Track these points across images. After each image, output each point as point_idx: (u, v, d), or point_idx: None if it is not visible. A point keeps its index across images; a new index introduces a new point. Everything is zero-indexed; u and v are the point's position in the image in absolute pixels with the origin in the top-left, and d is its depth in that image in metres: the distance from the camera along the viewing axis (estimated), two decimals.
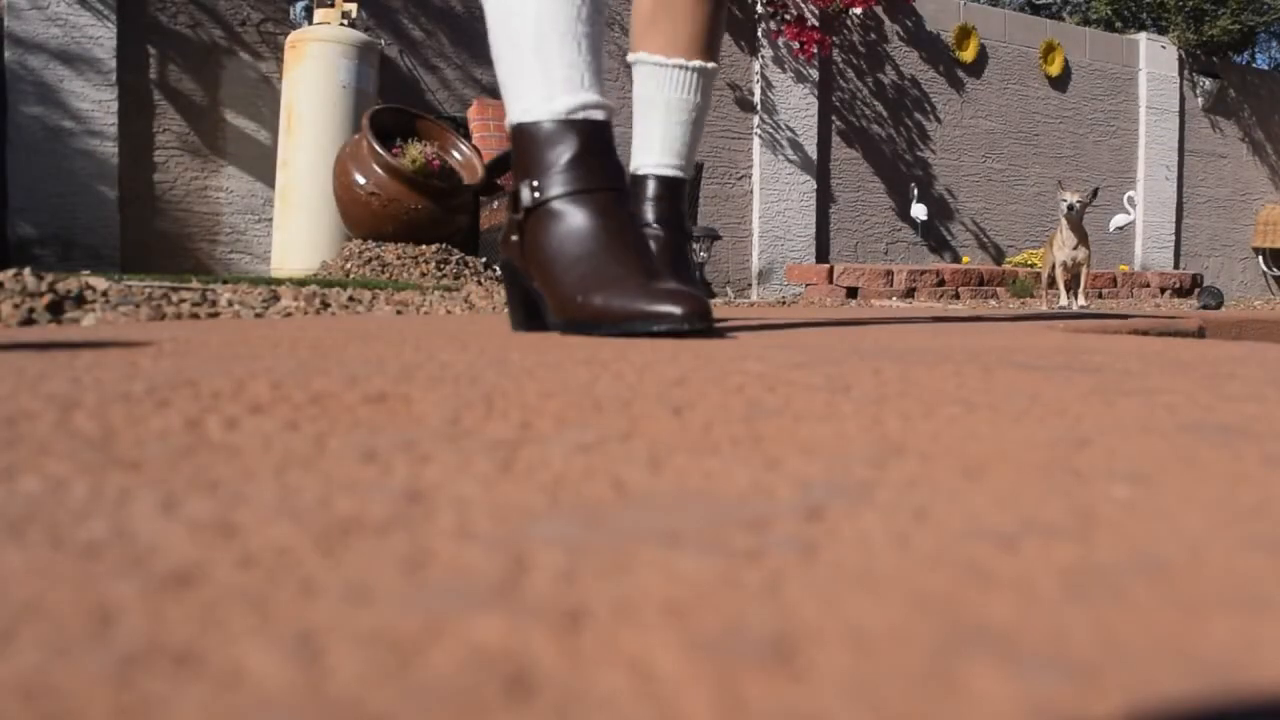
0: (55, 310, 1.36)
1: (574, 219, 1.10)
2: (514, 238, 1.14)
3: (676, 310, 1.02)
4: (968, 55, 7.28)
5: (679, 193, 1.49)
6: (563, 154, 1.11)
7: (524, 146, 1.12)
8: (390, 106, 4.55)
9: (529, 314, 1.21)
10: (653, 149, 1.48)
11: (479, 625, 0.20)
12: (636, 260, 1.09)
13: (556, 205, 1.10)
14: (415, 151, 4.27)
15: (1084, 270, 4.63)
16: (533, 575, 0.23)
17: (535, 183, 1.11)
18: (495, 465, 0.36)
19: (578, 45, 1.13)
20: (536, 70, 1.12)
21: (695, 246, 4.39)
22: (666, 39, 1.47)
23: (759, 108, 6.54)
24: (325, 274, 4.15)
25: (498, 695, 0.17)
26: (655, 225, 1.44)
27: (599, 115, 1.12)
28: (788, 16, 6.32)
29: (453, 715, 0.16)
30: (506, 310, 1.42)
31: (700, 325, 1.03)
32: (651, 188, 1.46)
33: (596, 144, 1.12)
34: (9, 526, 0.27)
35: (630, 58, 1.49)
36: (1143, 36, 8.22)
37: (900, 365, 0.72)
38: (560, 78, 1.11)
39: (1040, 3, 10.07)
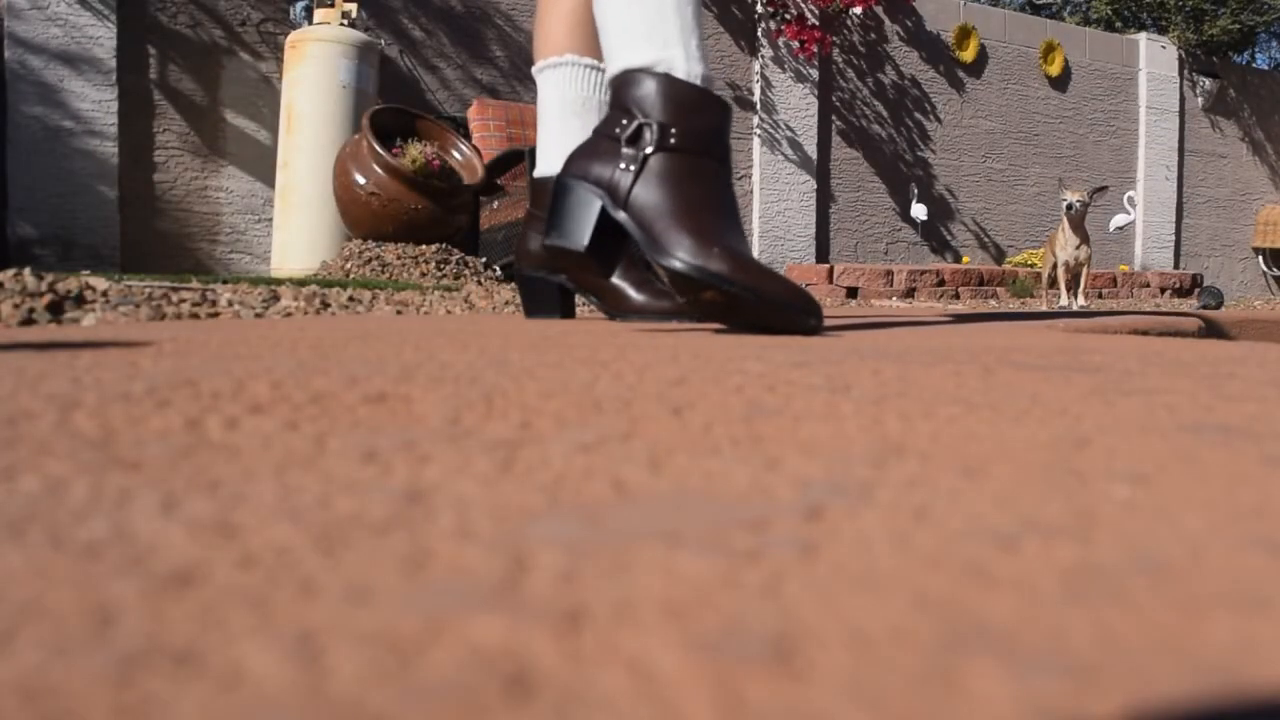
0: (55, 310, 1.36)
1: (715, 181, 1.15)
2: (624, 167, 1.15)
3: (810, 305, 1.09)
4: (968, 55, 7.29)
5: None
6: (707, 120, 1.15)
7: (661, 95, 1.15)
8: (390, 106, 4.55)
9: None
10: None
11: (479, 625, 0.20)
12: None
13: (699, 161, 1.14)
14: (415, 151, 4.27)
15: (1084, 270, 4.63)
16: (533, 575, 0.23)
17: (674, 129, 1.13)
18: (495, 465, 0.36)
19: (700, 21, 1.20)
20: (676, 29, 1.16)
21: None
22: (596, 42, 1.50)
23: (759, 107, 6.54)
24: (325, 274, 4.15)
25: (498, 695, 0.17)
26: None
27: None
28: (788, 16, 6.32)
29: (453, 715, 0.16)
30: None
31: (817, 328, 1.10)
32: None
33: (729, 124, 1.19)
34: (9, 526, 0.27)
35: (561, 59, 1.50)
36: (1143, 36, 8.22)
37: (900, 365, 0.72)
38: (696, 44, 1.17)
39: (1040, 3, 10.07)
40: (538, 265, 1.52)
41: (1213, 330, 2.38)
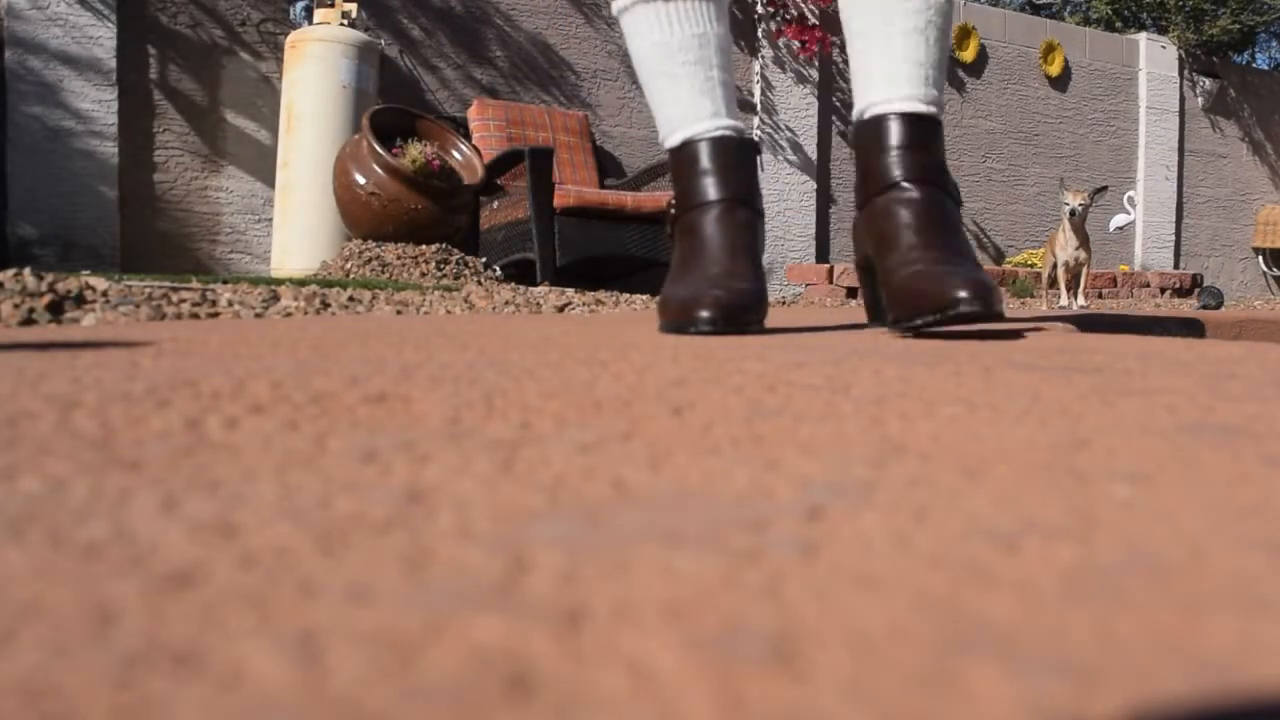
0: (55, 310, 1.36)
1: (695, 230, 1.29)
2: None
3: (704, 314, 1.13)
4: (968, 55, 7.28)
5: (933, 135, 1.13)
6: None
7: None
8: (390, 106, 4.55)
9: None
10: (878, 79, 1.15)
11: (479, 625, 0.20)
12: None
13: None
14: (415, 151, 4.27)
15: (1084, 270, 4.63)
16: (533, 575, 0.23)
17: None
18: (495, 465, 0.36)
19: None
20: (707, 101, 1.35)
21: None
22: None
23: (759, 108, 6.54)
24: (325, 274, 4.15)
25: (498, 695, 0.17)
26: (907, 185, 1.11)
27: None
28: (788, 16, 6.32)
29: (453, 715, 0.16)
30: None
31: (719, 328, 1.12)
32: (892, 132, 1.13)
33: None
34: (9, 526, 0.27)
35: None
36: (1143, 36, 8.22)
37: (900, 365, 0.72)
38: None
39: (1040, 3, 10.07)
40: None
41: (1213, 330, 2.38)
